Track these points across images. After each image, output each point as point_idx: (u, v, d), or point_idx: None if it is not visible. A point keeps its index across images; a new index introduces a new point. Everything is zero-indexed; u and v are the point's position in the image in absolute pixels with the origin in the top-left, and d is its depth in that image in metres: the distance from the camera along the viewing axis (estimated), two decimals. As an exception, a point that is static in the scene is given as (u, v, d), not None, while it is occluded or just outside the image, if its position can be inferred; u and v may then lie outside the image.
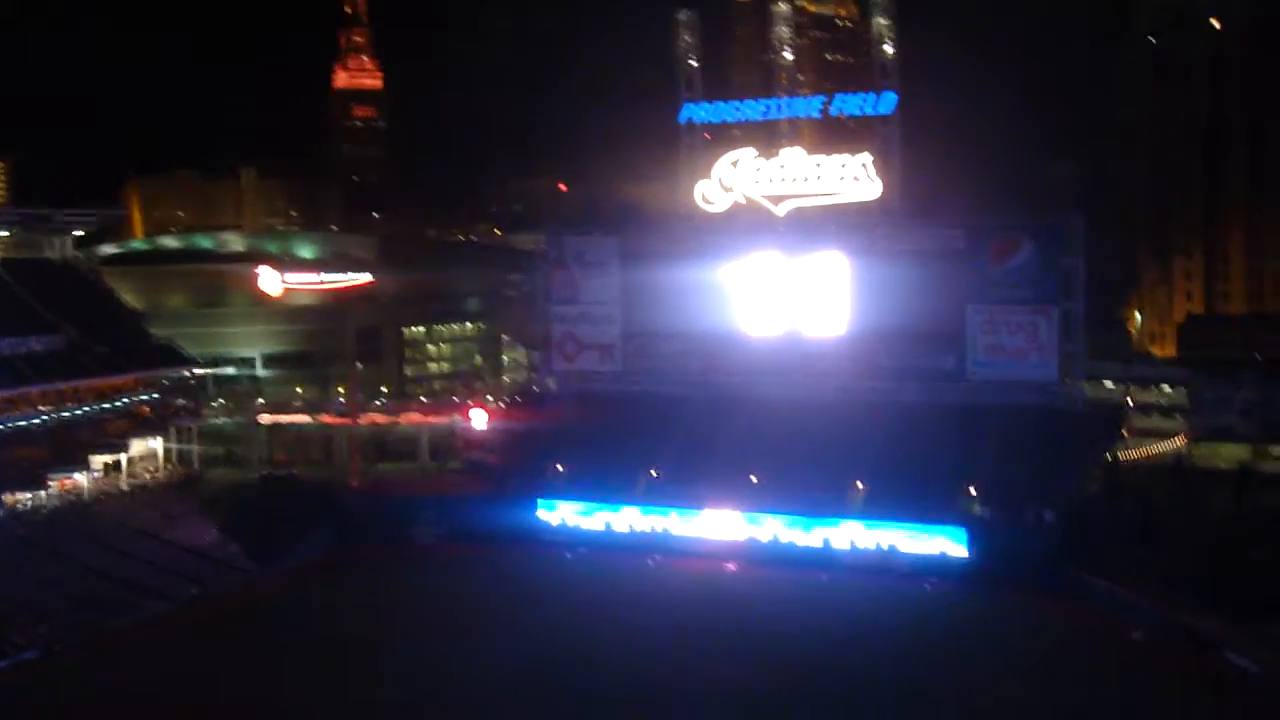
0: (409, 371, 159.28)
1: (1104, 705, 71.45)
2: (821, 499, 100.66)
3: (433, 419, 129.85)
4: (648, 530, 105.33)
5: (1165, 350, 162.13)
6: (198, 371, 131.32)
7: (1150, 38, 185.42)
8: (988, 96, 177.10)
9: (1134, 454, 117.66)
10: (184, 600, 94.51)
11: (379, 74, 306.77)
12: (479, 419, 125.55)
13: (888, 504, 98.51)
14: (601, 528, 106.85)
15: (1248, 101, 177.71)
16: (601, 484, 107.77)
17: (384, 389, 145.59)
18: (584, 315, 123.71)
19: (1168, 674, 75.76)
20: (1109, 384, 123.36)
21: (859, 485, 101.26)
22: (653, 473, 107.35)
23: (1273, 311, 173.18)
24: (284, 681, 76.97)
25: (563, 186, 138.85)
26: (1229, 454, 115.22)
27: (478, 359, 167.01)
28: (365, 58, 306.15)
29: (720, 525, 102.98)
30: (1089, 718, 70.36)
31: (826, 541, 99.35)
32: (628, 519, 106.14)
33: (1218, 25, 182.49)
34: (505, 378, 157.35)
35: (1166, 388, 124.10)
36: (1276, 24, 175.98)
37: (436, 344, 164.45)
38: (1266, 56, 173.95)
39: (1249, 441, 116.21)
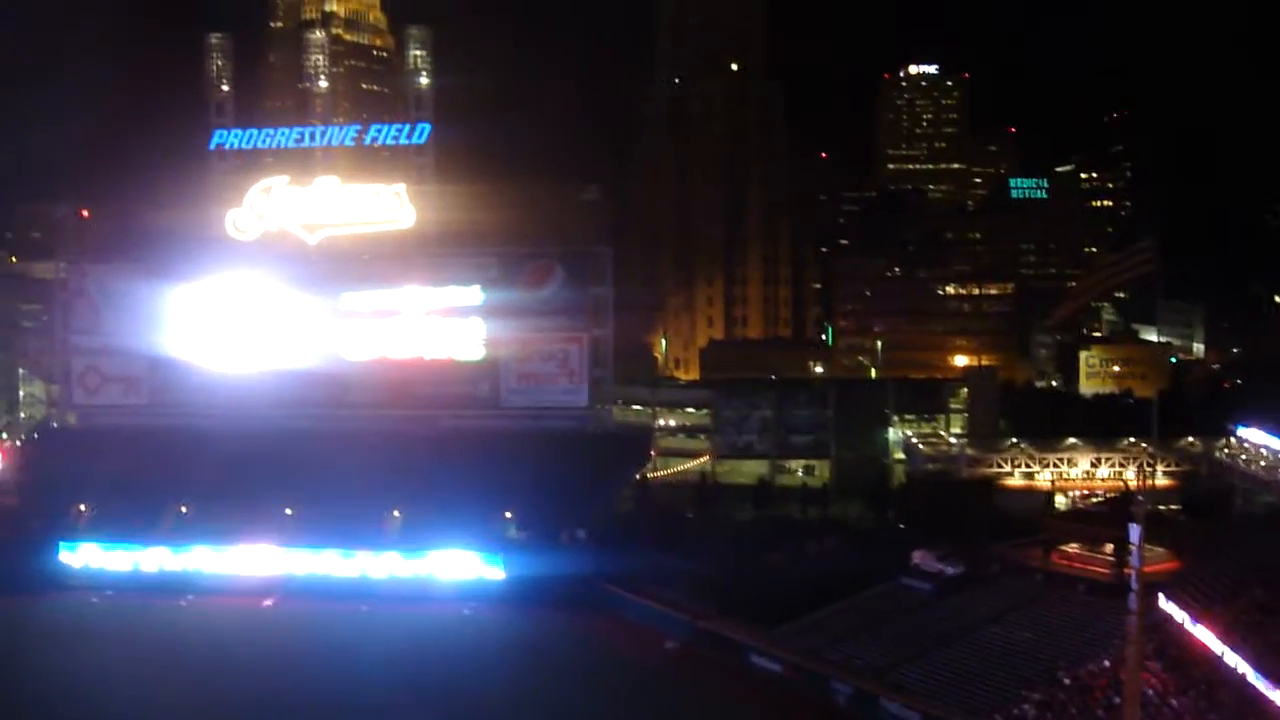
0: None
1: (637, 711, 74.50)
2: (359, 530, 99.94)
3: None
4: (179, 569, 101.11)
5: (689, 374, 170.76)
6: None
7: (675, 79, 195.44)
8: (524, 127, 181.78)
9: (663, 473, 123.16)
10: None
11: None
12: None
13: (426, 532, 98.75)
14: (130, 568, 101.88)
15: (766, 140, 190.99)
16: (129, 523, 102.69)
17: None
18: (107, 347, 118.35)
19: (697, 679, 79.84)
20: (637, 407, 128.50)
21: (396, 514, 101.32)
22: (182, 509, 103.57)
23: (785, 336, 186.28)
24: None
25: (85, 213, 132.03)
26: (750, 470, 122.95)
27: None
28: None
29: (255, 561, 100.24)
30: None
31: (364, 572, 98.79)
32: (158, 559, 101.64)
33: (736, 68, 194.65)
34: (23, 413, 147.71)
35: (691, 409, 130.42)
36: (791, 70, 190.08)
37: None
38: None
39: (766, 457, 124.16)
